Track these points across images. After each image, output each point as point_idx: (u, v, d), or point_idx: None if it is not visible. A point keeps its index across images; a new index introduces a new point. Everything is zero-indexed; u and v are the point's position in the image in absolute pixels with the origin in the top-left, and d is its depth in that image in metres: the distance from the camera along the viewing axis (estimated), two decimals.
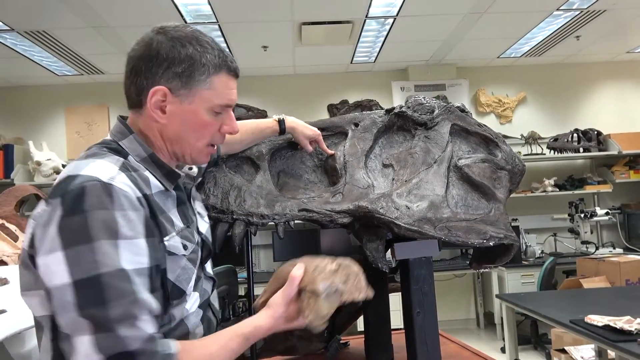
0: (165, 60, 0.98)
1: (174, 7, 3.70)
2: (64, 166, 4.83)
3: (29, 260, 0.90)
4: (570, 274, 4.70)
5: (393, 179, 1.43)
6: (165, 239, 0.97)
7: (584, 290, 3.44)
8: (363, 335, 1.73)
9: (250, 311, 1.53)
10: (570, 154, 5.29)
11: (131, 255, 0.87)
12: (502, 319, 3.55)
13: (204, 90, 1.00)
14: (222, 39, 4.36)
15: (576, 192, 5.31)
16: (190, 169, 1.14)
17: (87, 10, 3.69)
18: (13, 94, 5.36)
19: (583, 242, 5.05)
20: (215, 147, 1.13)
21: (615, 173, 5.40)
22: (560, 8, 4.11)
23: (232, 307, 1.59)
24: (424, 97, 1.58)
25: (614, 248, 5.08)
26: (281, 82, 5.55)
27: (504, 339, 3.72)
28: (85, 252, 0.83)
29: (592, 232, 5.19)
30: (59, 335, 0.86)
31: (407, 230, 1.28)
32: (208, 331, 1.10)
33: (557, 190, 5.33)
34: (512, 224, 2.78)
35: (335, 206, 1.31)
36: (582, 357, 3.28)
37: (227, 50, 1.39)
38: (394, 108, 1.53)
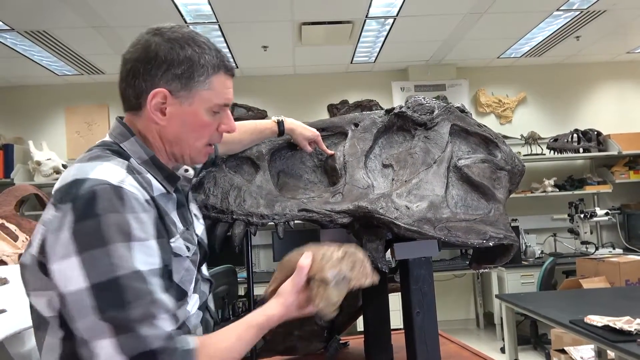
0: (164, 62, 0.97)
1: (174, 7, 3.70)
2: (64, 166, 4.83)
3: (38, 267, 0.89)
4: (570, 274, 4.69)
5: (393, 179, 1.43)
6: (171, 240, 0.98)
7: (584, 290, 3.44)
8: (363, 335, 1.72)
9: (250, 311, 1.53)
10: (570, 154, 5.30)
11: (145, 256, 0.87)
12: (501, 319, 3.55)
13: (204, 91, 1.01)
14: (222, 39, 4.35)
15: (576, 192, 5.30)
16: (187, 171, 1.14)
17: (87, 10, 3.69)
18: (13, 94, 5.36)
19: (583, 243, 5.05)
20: (213, 147, 1.13)
21: (615, 173, 5.39)
22: (560, 8, 4.11)
23: (232, 307, 1.59)
24: (423, 98, 1.58)
25: (614, 248, 5.08)
26: (281, 82, 5.53)
27: (503, 339, 3.72)
28: (100, 256, 0.83)
29: (591, 233, 5.19)
30: (75, 340, 0.86)
31: (406, 230, 1.28)
32: (206, 333, 1.10)
33: (557, 190, 5.33)
34: (512, 224, 2.78)
35: (335, 206, 1.32)
36: (581, 358, 3.27)
37: (225, 50, 1.39)
38: (393, 108, 1.53)
